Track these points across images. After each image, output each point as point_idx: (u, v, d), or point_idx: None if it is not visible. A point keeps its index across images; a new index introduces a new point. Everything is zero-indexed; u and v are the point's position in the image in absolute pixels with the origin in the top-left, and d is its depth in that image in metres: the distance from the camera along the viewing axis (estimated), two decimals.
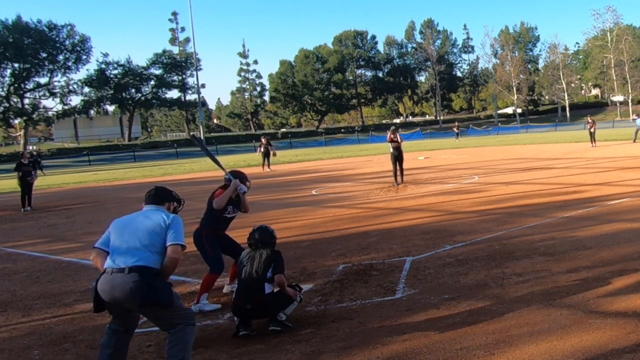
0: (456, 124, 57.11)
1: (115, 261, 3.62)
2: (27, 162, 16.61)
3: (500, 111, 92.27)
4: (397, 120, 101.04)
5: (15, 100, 67.24)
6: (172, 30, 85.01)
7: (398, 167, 15.21)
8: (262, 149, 26.75)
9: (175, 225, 3.78)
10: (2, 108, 65.32)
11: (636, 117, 31.04)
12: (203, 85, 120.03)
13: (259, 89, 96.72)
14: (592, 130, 27.56)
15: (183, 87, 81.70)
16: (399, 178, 15.19)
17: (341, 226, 9.54)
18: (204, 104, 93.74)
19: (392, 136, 15.31)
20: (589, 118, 29.70)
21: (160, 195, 4.11)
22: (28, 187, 15.88)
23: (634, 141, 28.03)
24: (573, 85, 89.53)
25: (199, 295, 5.53)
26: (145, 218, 3.83)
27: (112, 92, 75.69)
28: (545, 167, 18.22)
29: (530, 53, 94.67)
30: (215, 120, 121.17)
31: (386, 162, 24.82)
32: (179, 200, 4.29)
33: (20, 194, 15.93)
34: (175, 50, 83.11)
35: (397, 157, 15.21)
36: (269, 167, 25.83)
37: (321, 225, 9.83)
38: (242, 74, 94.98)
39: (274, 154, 26.82)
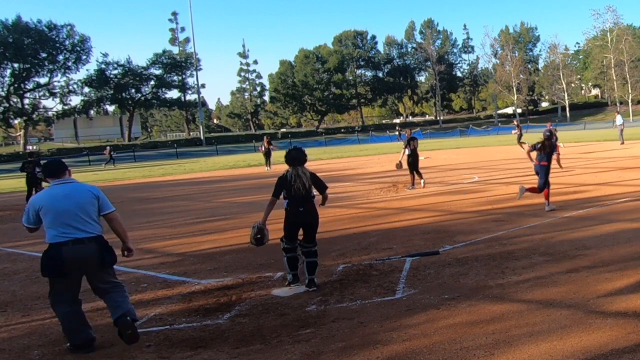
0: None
1: (69, 236, 4.36)
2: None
3: (500, 111, 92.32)
4: (397, 120, 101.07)
5: (15, 100, 67.45)
6: (172, 30, 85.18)
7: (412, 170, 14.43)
8: (262, 149, 27.25)
9: (102, 195, 4.67)
10: (2, 108, 65.60)
11: (618, 116, 28.87)
12: (203, 86, 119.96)
13: (259, 89, 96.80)
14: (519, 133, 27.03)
15: (183, 87, 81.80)
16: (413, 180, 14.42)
17: (341, 226, 9.55)
18: (203, 104, 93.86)
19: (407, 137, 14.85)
20: (515, 121, 28.28)
21: (63, 165, 4.70)
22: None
23: (622, 143, 26.88)
24: (573, 85, 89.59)
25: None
26: (77, 195, 4.50)
27: (112, 92, 75.89)
28: None
29: (530, 53, 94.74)
30: (215, 121, 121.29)
31: (386, 162, 24.85)
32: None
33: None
34: (175, 50, 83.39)
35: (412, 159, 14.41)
36: (269, 166, 26.02)
37: (321, 225, 9.68)
38: (242, 74, 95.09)
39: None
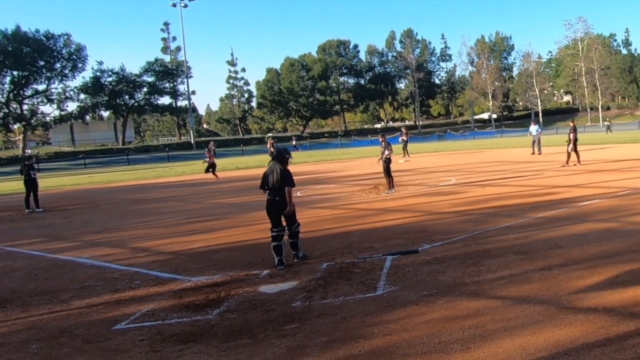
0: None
1: None
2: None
3: (476, 117, 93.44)
4: (378, 125, 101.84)
5: (14, 106, 68.41)
6: (164, 39, 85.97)
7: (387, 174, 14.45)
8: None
9: None
10: (1, 114, 66.34)
11: (533, 126, 26.74)
12: (193, 92, 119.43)
13: (246, 95, 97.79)
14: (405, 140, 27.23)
15: (174, 94, 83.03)
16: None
17: (325, 226, 9.71)
18: (194, 109, 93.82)
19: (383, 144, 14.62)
20: (403, 129, 28.06)
21: None
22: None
23: (533, 153, 25.61)
24: (546, 92, 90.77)
25: None
26: None
27: (106, 98, 76.81)
28: (520, 170, 18.47)
29: (505, 61, 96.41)
30: (205, 126, 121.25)
31: (368, 165, 25.12)
32: None
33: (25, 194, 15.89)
34: (167, 58, 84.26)
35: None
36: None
37: (306, 225, 9.93)
38: (231, 81, 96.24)
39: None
